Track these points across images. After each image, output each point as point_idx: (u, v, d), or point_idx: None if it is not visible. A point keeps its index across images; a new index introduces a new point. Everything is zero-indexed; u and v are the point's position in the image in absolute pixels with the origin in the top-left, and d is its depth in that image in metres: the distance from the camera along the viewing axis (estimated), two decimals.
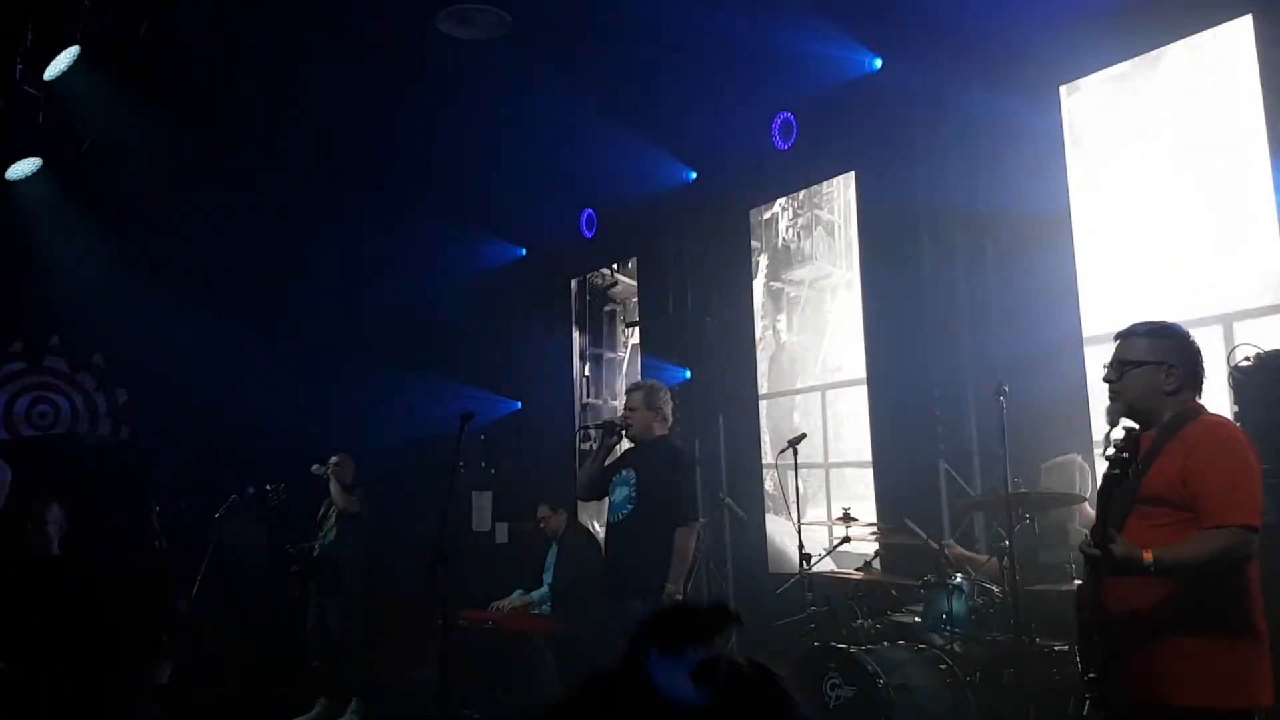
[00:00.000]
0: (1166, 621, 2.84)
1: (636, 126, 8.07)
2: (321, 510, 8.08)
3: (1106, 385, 3.14)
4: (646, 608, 5.05)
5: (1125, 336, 3.14)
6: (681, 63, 7.16)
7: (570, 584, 7.75)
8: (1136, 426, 3.02)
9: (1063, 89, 6.17)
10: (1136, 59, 5.84)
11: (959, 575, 5.24)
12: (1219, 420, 3.04)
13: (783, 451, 6.57)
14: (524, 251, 10.70)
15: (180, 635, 6.12)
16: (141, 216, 9.00)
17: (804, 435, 6.55)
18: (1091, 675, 2.93)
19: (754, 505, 8.19)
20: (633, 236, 9.49)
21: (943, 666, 5.02)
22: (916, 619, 5.38)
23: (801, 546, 6.24)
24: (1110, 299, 5.89)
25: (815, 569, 6.13)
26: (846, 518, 5.88)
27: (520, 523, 8.96)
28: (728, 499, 8.33)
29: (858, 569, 5.95)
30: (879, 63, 6.99)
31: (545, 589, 7.83)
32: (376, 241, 9.50)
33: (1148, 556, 2.76)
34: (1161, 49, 5.72)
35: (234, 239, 9.11)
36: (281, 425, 9.06)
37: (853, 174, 7.57)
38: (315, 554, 7.90)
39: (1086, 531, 2.92)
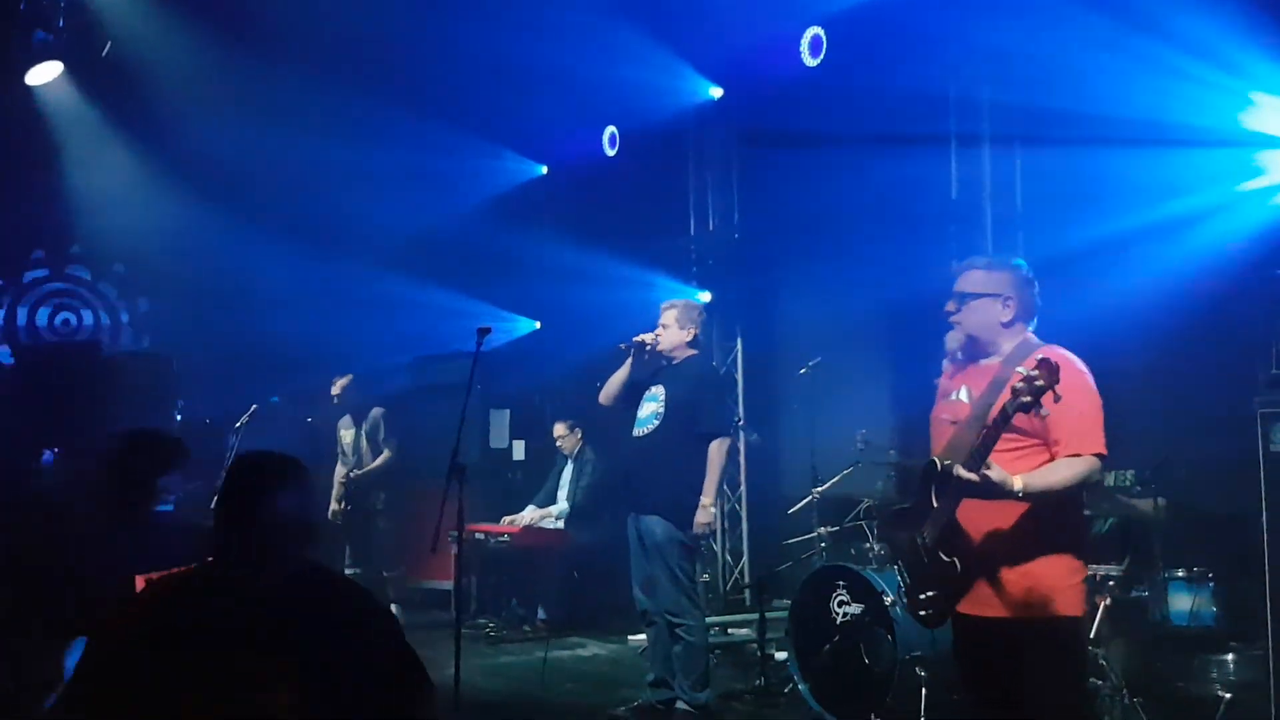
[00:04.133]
0: (1026, 542, 3.02)
1: (661, 42, 7.92)
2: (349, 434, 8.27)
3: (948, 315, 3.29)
4: (666, 524, 5.13)
5: (964, 269, 3.30)
6: None
7: (584, 501, 7.86)
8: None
9: None
10: None
11: None
12: (1064, 354, 3.10)
13: (801, 374, 6.59)
14: (545, 169, 10.60)
15: None
16: (162, 123, 8.94)
17: (820, 359, 6.55)
18: (930, 593, 3.09)
19: (768, 427, 8.22)
20: (655, 155, 9.37)
21: None
22: None
23: (814, 469, 6.29)
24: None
25: (828, 491, 6.19)
26: (861, 440, 5.90)
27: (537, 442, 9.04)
28: (742, 421, 8.38)
29: (870, 493, 5.99)
30: None
31: (565, 506, 7.92)
32: (399, 154, 9.42)
33: (1018, 483, 2.89)
34: None
35: (255, 147, 9.04)
36: (301, 335, 9.11)
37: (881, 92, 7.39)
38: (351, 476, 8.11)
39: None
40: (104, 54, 8.03)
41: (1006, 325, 3.20)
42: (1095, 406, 3.04)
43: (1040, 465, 3.02)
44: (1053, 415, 2.95)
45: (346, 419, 8.34)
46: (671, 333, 5.35)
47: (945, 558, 3.03)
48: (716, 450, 5.17)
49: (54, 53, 7.74)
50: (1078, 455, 2.97)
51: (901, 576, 3.26)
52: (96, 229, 9.83)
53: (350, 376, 8.34)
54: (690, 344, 5.40)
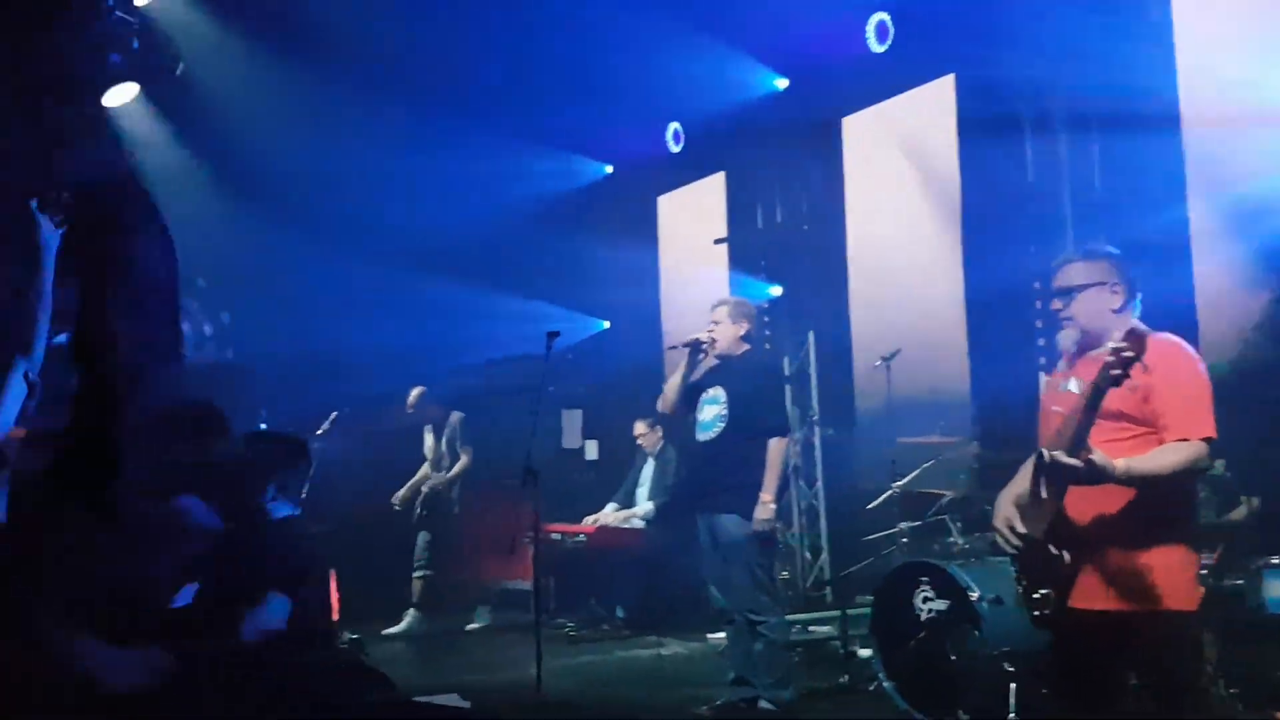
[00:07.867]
0: (1135, 531, 2.95)
1: (723, 36, 7.85)
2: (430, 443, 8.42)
3: (1057, 314, 3.22)
4: (740, 523, 5.09)
5: (1062, 265, 3.25)
6: None
7: (671, 499, 7.83)
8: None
9: None
10: None
11: None
12: (1173, 339, 3.08)
13: (876, 367, 6.49)
14: (609, 168, 10.59)
15: None
16: (236, 141, 9.13)
17: (899, 351, 6.44)
18: (1045, 591, 2.96)
19: (845, 421, 8.11)
20: (721, 149, 9.30)
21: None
22: None
23: (893, 463, 6.19)
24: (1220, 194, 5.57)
25: (908, 485, 6.08)
26: (942, 432, 5.80)
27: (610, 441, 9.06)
28: (816, 417, 8.28)
29: (952, 486, 5.87)
30: None
31: (649, 505, 7.90)
32: (465, 161, 9.50)
33: (1120, 465, 2.83)
34: None
35: (327, 161, 9.19)
36: (377, 345, 9.25)
37: (951, 77, 7.26)
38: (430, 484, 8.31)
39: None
40: (177, 73, 8.21)
41: (1117, 312, 3.12)
42: (1204, 391, 2.98)
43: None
44: (1161, 400, 2.93)
45: (428, 426, 8.50)
46: (725, 329, 5.30)
47: (1055, 550, 2.96)
48: (776, 449, 5.13)
49: (129, 74, 7.93)
50: (1185, 440, 2.90)
51: (1018, 578, 3.11)
52: (178, 245, 10.04)
53: (422, 389, 8.48)
54: (744, 338, 5.36)
